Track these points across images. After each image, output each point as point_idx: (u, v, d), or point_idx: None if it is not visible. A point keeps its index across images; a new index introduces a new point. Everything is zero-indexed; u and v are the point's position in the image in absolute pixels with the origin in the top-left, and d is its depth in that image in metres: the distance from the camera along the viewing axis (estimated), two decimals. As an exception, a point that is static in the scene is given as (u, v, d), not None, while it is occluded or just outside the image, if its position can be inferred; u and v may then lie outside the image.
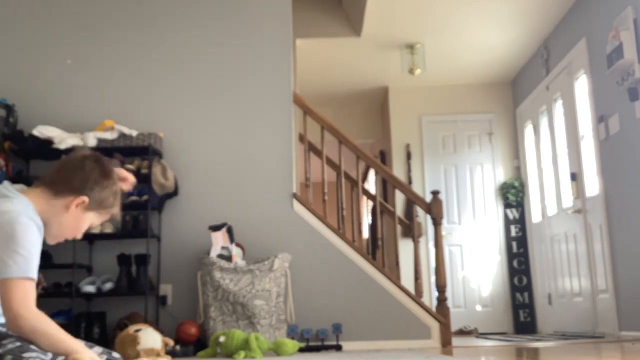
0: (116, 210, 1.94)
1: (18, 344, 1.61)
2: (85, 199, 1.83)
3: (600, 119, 4.96)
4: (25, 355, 1.57)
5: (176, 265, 4.41)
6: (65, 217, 1.82)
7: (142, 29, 4.82)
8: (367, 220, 8.56)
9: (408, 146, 7.00)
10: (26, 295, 1.63)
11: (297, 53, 5.91)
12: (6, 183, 1.80)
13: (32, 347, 1.62)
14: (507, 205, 6.80)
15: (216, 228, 4.18)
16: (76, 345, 1.67)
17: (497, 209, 6.86)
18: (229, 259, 4.10)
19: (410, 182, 6.87)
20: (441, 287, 4.51)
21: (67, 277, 4.21)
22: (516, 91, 7.00)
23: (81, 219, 1.85)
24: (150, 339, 3.25)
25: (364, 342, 4.29)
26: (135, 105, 4.68)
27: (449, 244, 6.70)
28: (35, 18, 4.83)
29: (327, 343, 4.24)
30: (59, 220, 1.82)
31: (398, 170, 6.88)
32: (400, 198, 6.39)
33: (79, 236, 1.90)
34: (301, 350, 3.99)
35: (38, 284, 4.01)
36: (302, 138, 4.92)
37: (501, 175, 6.93)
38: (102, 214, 1.90)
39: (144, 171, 4.31)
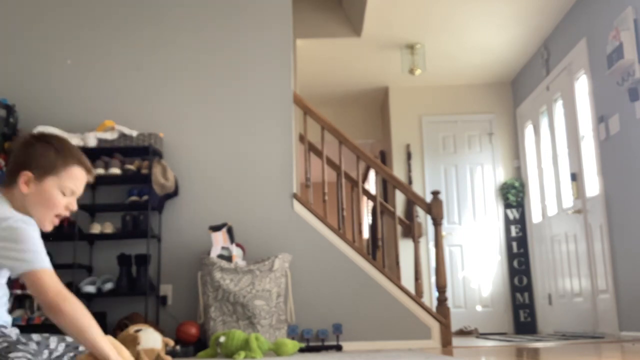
0: (73, 164, 1.76)
1: (5, 344, 1.59)
2: (26, 172, 1.71)
3: (600, 119, 4.96)
4: (12, 355, 1.55)
5: (176, 265, 4.41)
6: (30, 200, 1.72)
7: (142, 30, 4.82)
8: (367, 220, 8.56)
9: (408, 146, 7.00)
10: (54, 279, 1.61)
11: (297, 53, 5.91)
12: None
13: (19, 346, 1.61)
14: (507, 205, 6.80)
15: (216, 228, 4.18)
16: (106, 346, 1.62)
17: (497, 209, 6.86)
18: (229, 259, 4.11)
19: (410, 182, 6.87)
20: (441, 287, 4.51)
21: (67, 277, 4.20)
22: (516, 91, 7.00)
23: (43, 192, 1.72)
24: (150, 339, 3.24)
25: (364, 342, 4.29)
26: (135, 105, 4.68)
27: (449, 244, 6.70)
28: (36, 18, 4.83)
29: (327, 343, 4.24)
30: (30, 206, 1.73)
31: (398, 170, 6.88)
32: (400, 198, 6.39)
33: (66, 208, 1.76)
34: (301, 350, 3.99)
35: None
36: (302, 138, 4.92)
37: (501, 175, 6.93)
38: (62, 176, 1.73)
39: (144, 171, 4.31)
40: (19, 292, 3.93)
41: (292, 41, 4.96)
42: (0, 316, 1.71)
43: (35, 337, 1.78)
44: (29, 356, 1.58)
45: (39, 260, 1.61)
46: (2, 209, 1.68)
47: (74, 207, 1.79)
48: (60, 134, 4.30)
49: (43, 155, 1.73)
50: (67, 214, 1.78)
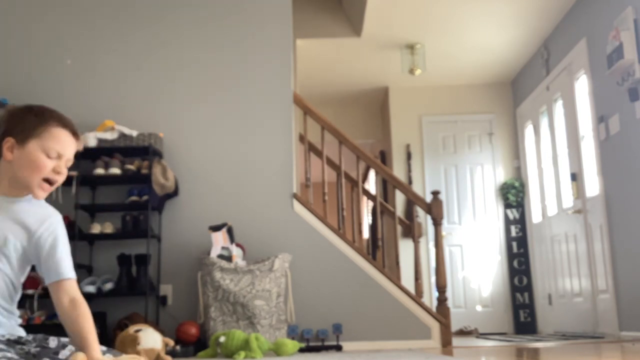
0: (55, 125, 1.74)
1: None
2: (8, 138, 1.70)
3: (600, 119, 4.96)
4: None
5: (176, 265, 4.41)
6: (16, 166, 1.70)
7: (142, 30, 4.82)
8: (367, 220, 8.56)
9: (408, 146, 7.00)
10: None
11: (297, 53, 5.91)
12: None
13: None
14: (507, 205, 6.80)
15: (216, 228, 4.18)
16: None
17: (497, 209, 6.86)
18: (229, 259, 4.11)
19: (410, 182, 6.87)
20: (441, 287, 4.51)
21: (67, 277, 4.20)
22: (516, 91, 7.00)
23: (27, 155, 1.69)
24: (150, 339, 3.25)
25: (364, 342, 4.29)
26: (135, 105, 4.68)
27: (449, 244, 6.70)
28: (36, 18, 4.83)
29: (327, 343, 4.24)
30: (17, 172, 1.70)
31: (398, 170, 6.88)
32: (400, 198, 6.39)
33: (54, 171, 1.71)
34: (301, 350, 3.99)
35: (38, 284, 4.01)
36: (302, 138, 4.92)
37: (501, 175, 6.93)
38: (44, 137, 1.71)
39: (144, 171, 4.31)
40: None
41: (292, 41, 4.96)
42: None
43: (52, 340, 1.73)
44: (9, 355, 1.57)
45: None
46: None
47: (62, 170, 1.73)
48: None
49: (23, 119, 1.73)
50: (56, 178, 1.72)
